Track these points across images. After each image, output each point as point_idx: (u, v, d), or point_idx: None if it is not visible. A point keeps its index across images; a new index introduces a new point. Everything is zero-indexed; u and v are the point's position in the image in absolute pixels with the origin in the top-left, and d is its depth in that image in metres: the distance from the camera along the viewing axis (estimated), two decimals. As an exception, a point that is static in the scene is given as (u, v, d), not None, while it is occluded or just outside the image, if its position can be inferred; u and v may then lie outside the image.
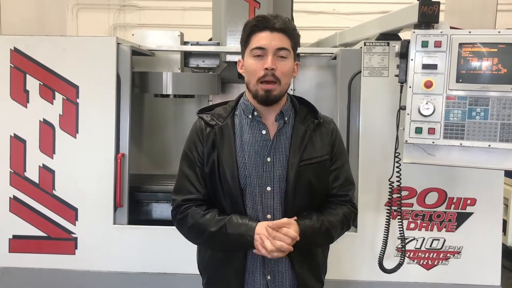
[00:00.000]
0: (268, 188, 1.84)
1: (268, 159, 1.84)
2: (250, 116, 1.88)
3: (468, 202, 2.88)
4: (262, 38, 1.78)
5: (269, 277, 1.87)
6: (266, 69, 1.77)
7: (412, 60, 2.42)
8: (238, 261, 1.87)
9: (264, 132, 1.87)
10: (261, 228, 1.75)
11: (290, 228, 1.75)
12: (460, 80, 2.36)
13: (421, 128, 2.44)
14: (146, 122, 4.02)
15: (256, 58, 1.80)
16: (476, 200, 2.87)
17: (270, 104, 1.84)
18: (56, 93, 2.95)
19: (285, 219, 1.77)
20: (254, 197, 1.84)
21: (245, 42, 1.85)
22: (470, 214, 2.89)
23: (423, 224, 2.91)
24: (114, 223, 2.98)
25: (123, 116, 2.98)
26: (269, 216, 1.83)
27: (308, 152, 1.86)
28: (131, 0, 9.30)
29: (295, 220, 1.80)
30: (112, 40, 2.94)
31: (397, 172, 2.62)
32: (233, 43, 3.38)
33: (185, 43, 3.63)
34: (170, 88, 3.38)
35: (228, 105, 1.96)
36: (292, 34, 1.83)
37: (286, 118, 1.89)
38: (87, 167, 2.97)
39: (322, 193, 1.93)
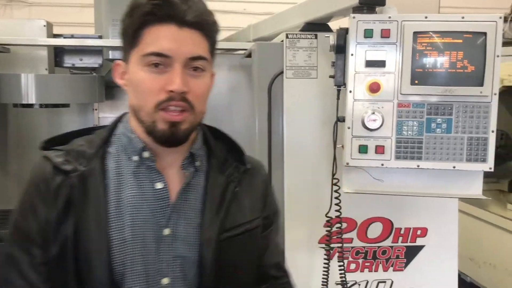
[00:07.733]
0: (165, 281, 1.15)
1: (166, 232, 1.17)
2: (136, 159, 1.17)
3: (418, 232, 2.32)
4: (165, 38, 1.09)
5: None
6: (172, 91, 1.09)
7: (352, 55, 1.80)
8: None
9: (159, 186, 1.17)
10: None
11: None
12: (416, 82, 1.77)
13: (367, 146, 1.82)
14: (12, 139, 3.14)
15: (152, 69, 1.11)
16: (427, 229, 2.32)
17: (176, 145, 1.17)
18: None
19: None
20: None
21: (131, 38, 1.13)
22: (421, 247, 2.33)
23: (366, 264, 2.31)
24: None
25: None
26: None
27: (233, 218, 1.21)
28: (19, -5, 8.14)
29: None
30: None
31: (336, 204, 1.98)
32: (117, 36, 2.60)
33: (55, 36, 2.79)
34: (33, 96, 2.54)
35: (96, 136, 1.22)
36: (210, 31, 1.17)
37: (197, 163, 1.23)
38: None
39: (249, 276, 1.28)
